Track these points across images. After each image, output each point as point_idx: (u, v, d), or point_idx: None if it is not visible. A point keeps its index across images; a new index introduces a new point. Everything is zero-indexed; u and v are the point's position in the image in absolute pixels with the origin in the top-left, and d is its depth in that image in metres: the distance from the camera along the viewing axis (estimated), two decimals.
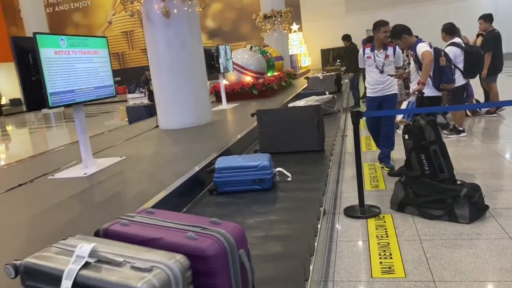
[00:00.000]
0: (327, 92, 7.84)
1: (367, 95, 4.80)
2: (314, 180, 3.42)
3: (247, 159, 3.41)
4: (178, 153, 4.53)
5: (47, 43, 3.37)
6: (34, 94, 3.36)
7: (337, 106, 6.98)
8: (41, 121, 15.96)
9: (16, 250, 2.27)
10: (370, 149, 5.88)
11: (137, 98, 11.74)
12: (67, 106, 3.67)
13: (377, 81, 4.63)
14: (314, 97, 6.91)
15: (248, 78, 9.24)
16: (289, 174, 3.48)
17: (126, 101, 14.09)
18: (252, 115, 4.51)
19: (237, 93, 8.92)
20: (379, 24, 4.54)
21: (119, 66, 23.80)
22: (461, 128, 5.97)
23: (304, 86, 10.16)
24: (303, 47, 20.02)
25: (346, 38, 9.36)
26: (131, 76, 19.87)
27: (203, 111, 6.10)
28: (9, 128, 15.96)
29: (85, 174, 3.72)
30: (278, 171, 3.44)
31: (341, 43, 9.86)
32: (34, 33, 3.28)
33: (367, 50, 4.69)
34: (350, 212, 3.59)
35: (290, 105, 6.48)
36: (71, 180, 3.62)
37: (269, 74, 10.30)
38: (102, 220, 2.44)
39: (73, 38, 3.72)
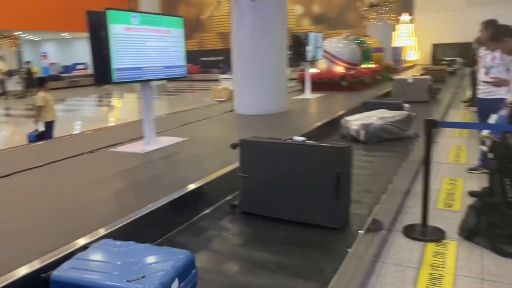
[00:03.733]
0: (405, 105, 5.72)
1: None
2: None
3: (134, 262, 1.63)
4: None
5: (118, 19, 3.43)
6: (103, 68, 3.46)
7: (414, 128, 4.98)
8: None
9: (34, 224, 2.33)
10: (458, 161, 5.23)
11: (228, 80, 11.90)
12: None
13: (480, 82, 4.54)
14: (382, 111, 5.07)
15: (339, 68, 8.82)
16: None
17: (217, 80, 14.44)
18: (234, 146, 2.80)
19: (325, 83, 8.55)
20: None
21: (223, 46, 24.40)
22: None
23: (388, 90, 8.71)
24: (412, 40, 18.70)
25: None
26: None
27: (278, 99, 5.93)
28: (106, 97, 17.10)
29: (143, 150, 3.79)
30: None
31: (455, 39, 8.51)
32: (106, 8, 3.35)
33: (482, 49, 4.64)
34: (409, 232, 3.19)
35: (344, 119, 4.98)
36: (128, 154, 3.71)
37: (363, 66, 9.75)
38: (128, 203, 2.43)
39: (146, 15, 3.75)
